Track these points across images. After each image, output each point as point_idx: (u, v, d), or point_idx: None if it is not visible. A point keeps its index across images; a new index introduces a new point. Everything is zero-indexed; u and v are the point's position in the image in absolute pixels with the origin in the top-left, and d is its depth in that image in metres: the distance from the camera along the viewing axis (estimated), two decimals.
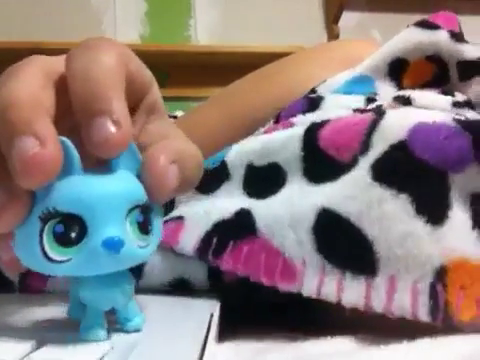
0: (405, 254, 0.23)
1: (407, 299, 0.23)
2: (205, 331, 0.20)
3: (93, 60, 0.18)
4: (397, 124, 0.26)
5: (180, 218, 0.30)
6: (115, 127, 0.17)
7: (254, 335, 0.25)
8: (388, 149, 0.25)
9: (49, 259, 0.17)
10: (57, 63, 0.19)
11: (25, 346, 0.17)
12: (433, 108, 0.35)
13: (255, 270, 0.25)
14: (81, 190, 0.17)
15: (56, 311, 0.23)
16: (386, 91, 0.43)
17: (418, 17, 0.47)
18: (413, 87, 0.42)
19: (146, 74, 0.22)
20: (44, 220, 0.17)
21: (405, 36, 0.44)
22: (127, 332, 0.19)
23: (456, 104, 0.36)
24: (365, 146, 0.27)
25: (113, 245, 0.17)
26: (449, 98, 0.37)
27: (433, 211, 0.24)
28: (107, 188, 0.17)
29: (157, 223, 0.19)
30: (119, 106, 0.18)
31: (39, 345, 0.18)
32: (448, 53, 0.41)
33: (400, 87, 0.44)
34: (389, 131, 0.26)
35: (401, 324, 0.23)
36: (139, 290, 0.27)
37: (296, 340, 0.24)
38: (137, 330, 0.19)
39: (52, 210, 0.17)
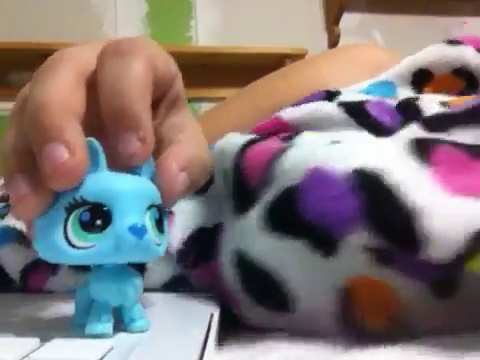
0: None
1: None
2: (205, 331, 0.20)
3: (122, 70, 0.19)
4: (299, 161, 0.23)
5: (170, 212, 0.30)
6: (140, 143, 0.19)
7: (254, 335, 0.25)
8: (281, 194, 0.23)
9: (73, 246, 0.18)
10: (91, 60, 0.21)
11: (26, 345, 0.17)
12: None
13: (216, 291, 0.26)
14: (108, 183, 0.18)
15: (57, 310, 0.23)
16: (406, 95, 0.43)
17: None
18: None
19: (172, 68, 0.23)
20: (70, 210, 0.18)
21: (429, 49, 0.44)
22: (131, 333, 0.19)
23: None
24: (267, 178, 0.24)
25: (139, 230, 0.18)
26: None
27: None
28: (131, 183, 0.19)
29: (166, 225, 0.21)
30: (145, 122, 0.19)
31: (39, 344, 0.18)
32: (477, 67, 0.41)
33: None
34: (290, 168, 0.23)
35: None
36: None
37: (296, 341, 0.24)
38: (142, 331, 0.19)
39: (79, 200, 0.18)
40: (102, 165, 0.19)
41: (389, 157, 0.21)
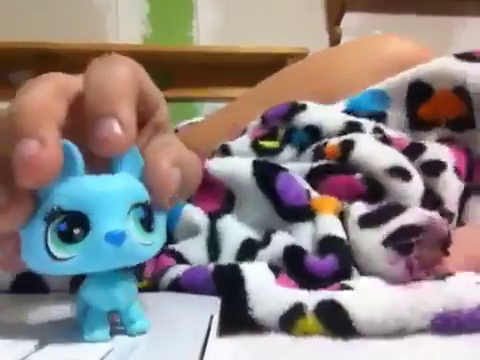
0: None
1: None
2: (205, 332, 0.20)
3: (108, 72, 0.19)
4: None
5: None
6: (120, 127, 0.18)
7: (254, 335, 0.25)
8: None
9: (54, 258, 0.17)
10: (73, 80, 0.20)
11: (26, 347, 0.17)
12: (367, 167, 0.37)
13: None
14: (82, 189, 0.18)
15: (57, 311, 0.23)
16: (396, 117, 0.43)
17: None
18: (430, 119, 0.42)
19: (156, 94, 0.23)
20: (48, 220, 0.17)
21: (434, 61, 0.43)
22: (131, 335, 0.19)
23: (393, 170, 0.36)
24: None
25: (115, 238, 0.17)
26: (391, 160, 0.37)
27: None
28: (107, 186, 0.18)
29: (161, 224, 0.20)
30: (126, 111, 0.18)
31: (40, 346, 0.18)
32: (474, 87, 0.39)
33: (413, 115, 0.44)
34: None
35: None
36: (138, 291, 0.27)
37: (297, 341, 0.24)
38: (141, 333, 0.19)
39: (56, 209, 0.17)
40: (79, 168, 0.18)
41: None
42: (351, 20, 1.94)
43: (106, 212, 0.17)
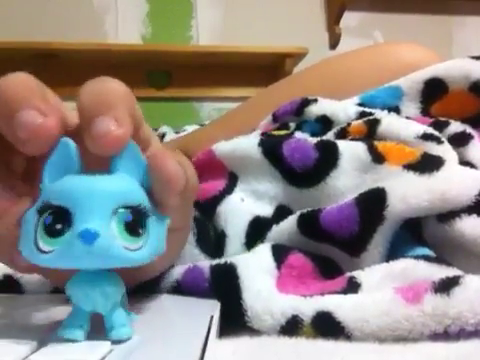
0: None
1: None
2: (205, 333, 0.20)
3: (103, 84, 0.19)
4: None
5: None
6: (116, 125, 0.18)
7: (254, 335, 0.25)
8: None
9: (40, 250, 0.18)
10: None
11: (25, 347, 0.17)
12: (398, 136, 0.36)
13: None
14: (70, 184, 0.18)
15: (57, 312, 0.23)
16: (409, 112, 0.43)
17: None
18: (445, 117, 0.41)
19: (140, 113, 0.22)
20: (40, 213, 0.18)
21: (449, 61, 0.43)
22: (111, 340, 0.18)
23: (425, 136, 0.36)
24: None
25: (87, 236, 0.17)
26: (421, 128, 0.36)
27: None
28: (95, 184, 0.18)
29: (157, 231, 0.19)
30: (122, 110, 0.19)
31: (39, 346, 0.18)
32: None
33: (426, 112, 0.43)
34: None
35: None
36: (139, 291, 0.27)
37: (297, 342, 0.24)
38: (120, 340, 0.18)
39: (47, 203, 0.18)
40: (75, 165, 0.18)
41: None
42: (351, 19, 1.93)
43: (86, 210, 0.17)
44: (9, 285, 0.30)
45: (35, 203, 0.19)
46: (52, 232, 0.18)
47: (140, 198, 0.19)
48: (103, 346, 0.17)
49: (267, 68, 1.80)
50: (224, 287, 0.27)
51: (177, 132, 0.77)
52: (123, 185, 0.18)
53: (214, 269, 0.27)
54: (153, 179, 0.19)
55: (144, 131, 0.22)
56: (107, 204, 0.18)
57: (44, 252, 0.17)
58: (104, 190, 0.18)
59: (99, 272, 0.18)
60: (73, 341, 0.18)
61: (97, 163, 0.18)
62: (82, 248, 0.17)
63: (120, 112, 0.18)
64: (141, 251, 0.18)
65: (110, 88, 0.19)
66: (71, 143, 0.18)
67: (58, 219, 0.18)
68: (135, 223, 0.18)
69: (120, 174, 0.19)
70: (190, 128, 0.75)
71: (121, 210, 0.18)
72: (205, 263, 0.28)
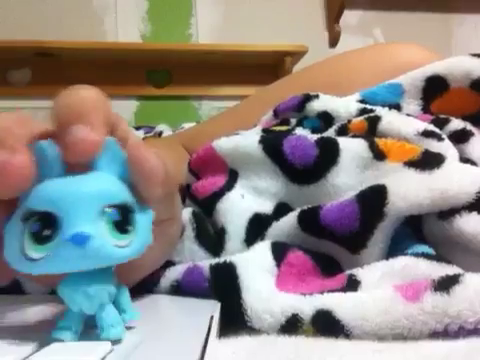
0: None
1: None
2: (205, 333, 0.20)
3: (75, 93, 0.20)
4: None
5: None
6: (88, 131, 0.18)
7: (254, 335, 0.25)
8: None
9: (27, 258, 0.17)
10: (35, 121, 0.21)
11: (26, 347, 0.17)
12: (398, 133, 0.35)
13: None
14: (54, 189, 0.18)
15: (57, 312, 0.23)
16: (410, 109, 0.43)
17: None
18: (445, 114, 0.41)
19: (116, 115, 0.22)
20: (23, 220, 0.18)
21: (449, 59, 0.43)
22: (100, 340, 0.18)
23: (426, 133, 0.36)
24: None
25: (79, 239, 0.17)
26: (421, 125, 0.36)
27: None
28: (79, 187, 0.18)
29: (143, 224, 0.19)
30: (95, 117, 0.19)
31: (40, 346, 0.18)
32: None
33: (427, 109, 0.43)
34: None
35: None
36: (139, 291, 0.27)
37: (297, 341, 0.24)
38: (109, 340, 0.18)
39: (30, 210, 0.18)
40: (56, 168, 0.18)
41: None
42: (351, 18, 1.93)
43: (74, 213, 0.17)
44: (9, 285, 0.30)
45: (12, 211, 0.18)
46: (40, 239, 0.17)
47: (125, 196, 0.19)
48: (103, 346, 0.17)
49: (267, 66, 1.79)
50: (224, 287, 0.27)
51: (174, 130, 0.77)
52: (107, 185, 0.19)
53: (214, 269, 0.28)
54: (133, 172, 0.19)
55: (123, 129, 0.23)
56: (94, 205, 0.18)
57: (33, 260, 0.17)
58: (90, 192, 0.18)
59: (84, 273, 0.18)
60: (62, 341, 0.18)
61: (77, 164, 0.19)
62: (74, 251, 0.17)
63: (92, 118, 0.19)
64: (130, 247, 0.18)
65: (81, 97, 0.20)
66: (49, 147, 0.18)
67: (45, 225, 0.17)
68: (123, 221, 0.18)
69: (102, 173, 0.19)
70: (188, 126, 0.75)
71: (108, 210, 0.18)
72: (205, 263, 0.28)
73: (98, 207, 0.18)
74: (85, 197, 0.18)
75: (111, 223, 0.18)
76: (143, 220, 0.19)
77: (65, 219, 0.17)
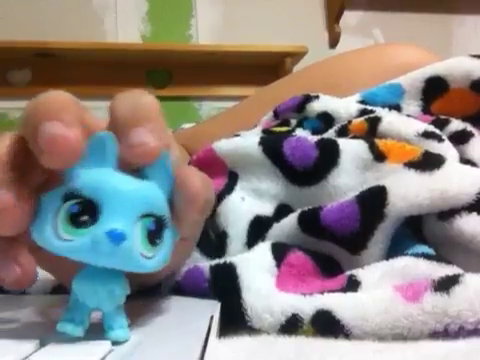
0: None
1: None
2: (205, 333, 0.20)
3: (140, 97, 0.21)
4: None
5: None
6: (152, 137, 0.19)
7: (254, 335, 0.25)
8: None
9: (58, 236, 0.17)
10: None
11: (26, 347, 0.17)
12: (398, 134, 0.35)
13: None
14: (106, 180, 0.18)
15: (57, 312, 0.23)
16: (410, 110, 0.43)
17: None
18: (446, 115, 0.41)
19: (174, 142, 0.23)
20: (65, 199, 0.18)
21: (449, 60, 0.43)
22: (109, 340, 0.18)
23: (426, 134, 0.36)
24: None
25: (115, 236, 0.17)
26: (422, 126, 0.36)
27: None
28: (129, 186, 0.18)
29: (167, 242, 0.20)
30: (159, 125, 0.20)
31: (40, 346, 0.18)
32: None
33: (427, 110, 0.43)
34: None
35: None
36: (139, 291, 0.27)
37: (297, 341, 0.24)
38: (117, 342, 0.18)
39: (76, 192, 0.18)
40: (110, 160, 0.18)
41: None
42: (350, 18, 1.93)
43: (116, 209, 0.17)
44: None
45: (55, 186, 0.18)
46: (76, 222, 0.17)
47: (165, 209, 0.19)
48: (103, 346, 0.17)
49: (267, 67, 1.80)
50: (224, 287, 0.27)
51: (174, 131, 0.76)
52: (154, 193, 0.19)
53: (214, 269, 0.28)
54: (178, 194, 0.20)
55: (175, 147, 0.23)
56: (137, 208, 0.18)
57: (63, 240, 0.17)
58: (137, 194, 0.18)
59: (110, 271, 0.18)
60: (72, 337, 0.18)
61: (126, 168, 0.19)
62: (108, 247, 0.17)
63: (156, 125, 0.19)
64: (153, 260, 0.19)
65: (147, 101, 0.20)
66: (109, 139, 0.18)
67: (85, 211, 0.17)
68: (155, 232, 0.19)
69: (150, 182, 0.19)
70: (187, 126, 0.75)
71: (146, 217, 0.18)
72: (205, 263, 0.28)
73: (140, 212, 0.18)
74: (132, 198, 0.18)
75: (146, 231, 0.18)
76: (168, 238, 0.20)
77: (106, 212, 0.17)
